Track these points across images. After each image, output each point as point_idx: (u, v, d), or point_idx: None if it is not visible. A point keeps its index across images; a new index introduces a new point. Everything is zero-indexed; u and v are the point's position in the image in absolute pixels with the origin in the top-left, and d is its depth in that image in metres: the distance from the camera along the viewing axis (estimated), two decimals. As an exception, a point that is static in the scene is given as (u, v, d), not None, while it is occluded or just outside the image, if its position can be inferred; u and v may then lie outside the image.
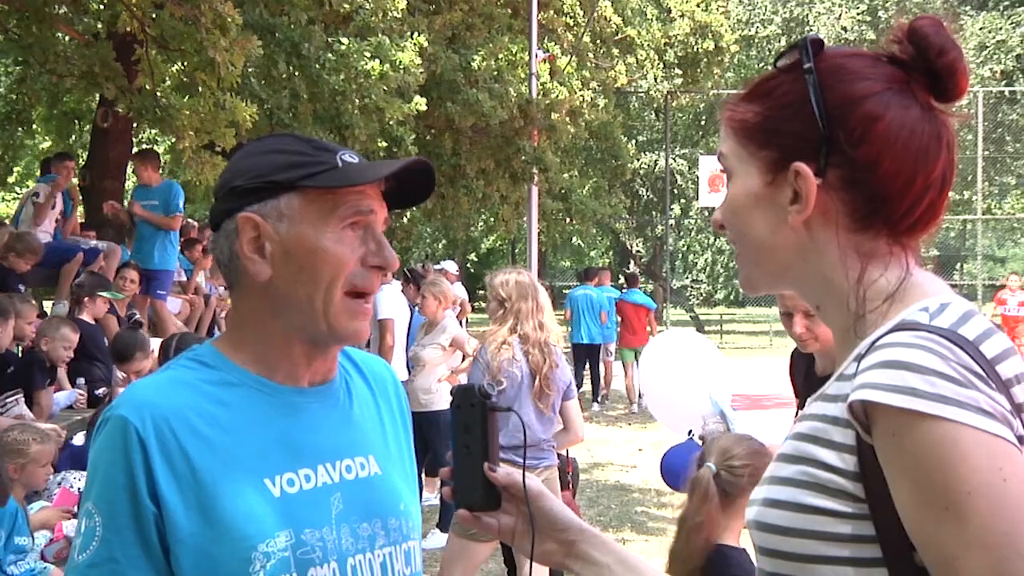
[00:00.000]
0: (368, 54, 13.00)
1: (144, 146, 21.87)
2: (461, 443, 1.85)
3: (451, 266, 19.45)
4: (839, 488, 1.44)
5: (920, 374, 1.36)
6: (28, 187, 27.15)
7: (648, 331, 19.83)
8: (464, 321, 16.49)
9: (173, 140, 12.01)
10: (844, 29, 37.47)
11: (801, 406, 4.15)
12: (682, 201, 44.01)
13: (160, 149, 29.66)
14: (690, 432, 4.97)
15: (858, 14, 38.86)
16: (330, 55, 12.70)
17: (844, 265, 1.55)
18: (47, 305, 12.04)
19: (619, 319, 19.75)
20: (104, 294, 9.95)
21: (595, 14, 24.14)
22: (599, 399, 19.60)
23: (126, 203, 14.00)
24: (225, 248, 1.91)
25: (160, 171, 12.44)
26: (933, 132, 1.52)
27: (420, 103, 14.13)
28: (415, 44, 14.04)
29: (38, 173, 23.60)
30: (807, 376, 4.36)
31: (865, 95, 1.51)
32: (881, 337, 1.45)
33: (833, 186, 1.52)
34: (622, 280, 32.01)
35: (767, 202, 1.58)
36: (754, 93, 1.63)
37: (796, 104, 1.55)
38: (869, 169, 1.50)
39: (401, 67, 13.42)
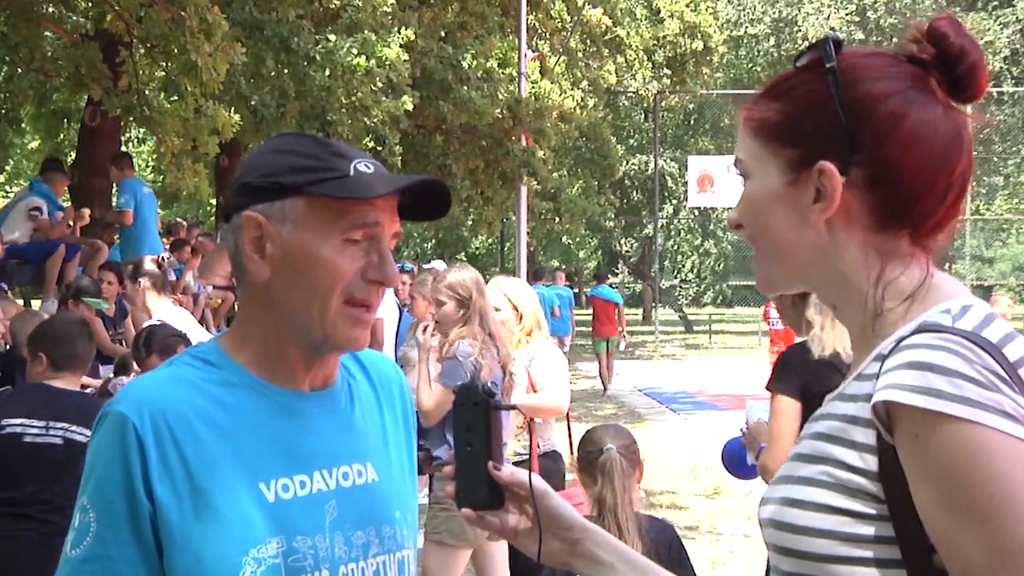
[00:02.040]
0: (355, 50, 12.98)
1: (132, 145, 21.89)
2: (464, 442, 1.82)
3: (440, 266, 19.50)
4: (859, 488, 1.43)
5: (944, 376, 1.35)
6: (18, 185, 27.10)
7: (617, 324, 22.09)
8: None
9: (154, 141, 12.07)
10: (833, 29, 37.39)
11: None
12: (672, 201, 44.09)
13: (146, 149, 29.68)
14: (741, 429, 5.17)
15: (847, 14, 39.02)
16: (319, 49, 12.68)
17: (865, 264, 1.53)
18: (36, 304, 12.00)
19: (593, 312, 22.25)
20: (87, 300, 9.90)
21: (582, 16, 24.18)
22: None
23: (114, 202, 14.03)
24: (231, 242, 1.89)
25: (127, 170, 12.72)
26: (954, 131, 1.51)
27: (407, 101, 14.10)
28: (403, 39, 14.01)
29: (31, 172, 23.57)
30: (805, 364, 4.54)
31: (888, 93, 1.50)
32: (905, 338, 1.43)
33: (857, 185, 1.51)
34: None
35: (789, 201, 1.56)
36: (774, 92, 1.61)
37: (819, 102, 1.53)
38: (893, 168, 1.49)
39: (387, 63, 13.39)
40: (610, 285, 24.60)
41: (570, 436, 6.71)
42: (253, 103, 12.28)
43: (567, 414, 6.94)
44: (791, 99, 1.58)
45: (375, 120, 13.72)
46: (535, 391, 6.15)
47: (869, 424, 1.43)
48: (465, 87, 17.20)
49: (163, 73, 11.67)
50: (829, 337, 4.49)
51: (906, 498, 1.39)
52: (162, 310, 7.99)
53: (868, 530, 1.42)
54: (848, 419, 1.47)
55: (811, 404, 4.30)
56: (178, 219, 16.11)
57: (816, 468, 1.48)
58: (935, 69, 1.53)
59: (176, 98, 10.95)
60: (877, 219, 1.52)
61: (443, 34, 18.29)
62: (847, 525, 1.43)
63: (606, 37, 26.92)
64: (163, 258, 10.12)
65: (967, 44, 1.52)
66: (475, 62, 17.80)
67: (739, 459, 5.19)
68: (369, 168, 1.86)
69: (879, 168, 1.50)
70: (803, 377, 4.53)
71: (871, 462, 1.42)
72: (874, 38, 37.18)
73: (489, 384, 1.83)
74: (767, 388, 4.63)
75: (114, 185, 13.78)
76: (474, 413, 1.82)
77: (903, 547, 1.41)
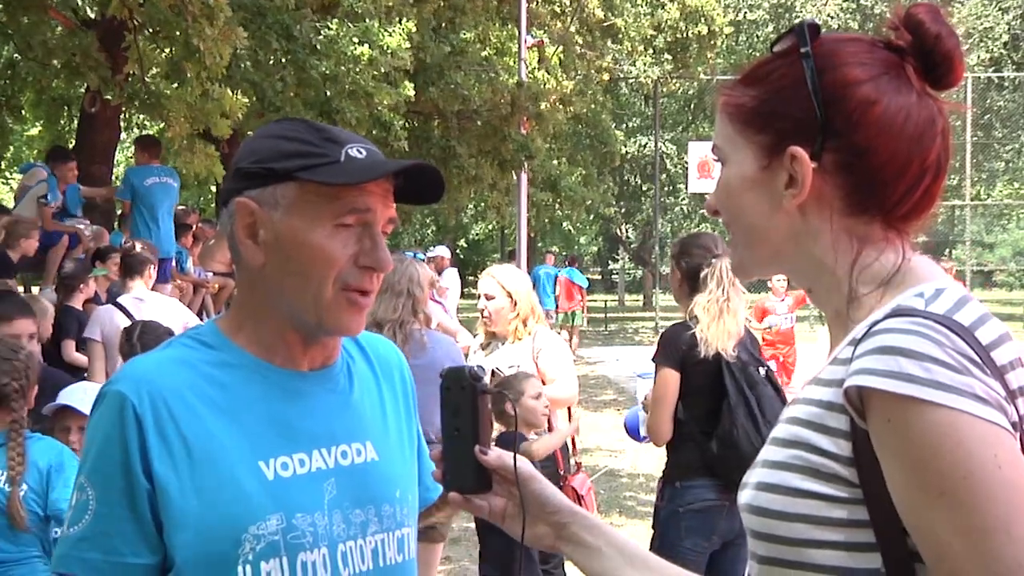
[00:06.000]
0: (356, 39, 12.96)
1: (134, 132, 21.81)
2: (451, 426, 1.82)
3: (444, 251, 19.54)
4: (833, 473, 1.44)
5: (915, 360, 1.36)
6: (16, 171, 26.97)
7: (581, 302, 26.68)
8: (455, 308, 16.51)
9: (162, 126, 11.97)
10: (830, 16, 37.45)
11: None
12: (670, 186, 43.91)
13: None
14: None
15: (843, 1, 38.86)
16: (320, 38, 12.65)
17: (837, 249, 1.55)
18: (35, 291, 12.00)
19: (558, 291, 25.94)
20: (95, 273, 10.00)
21: (581, 3, 24.11)
22: None
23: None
24: (228, 227, 1.91)
25: (150, 158, 12.69)
26: (928, 118, 1.52)
27: (408, 88, 14.08)
28: (404, 29, 13.99)
29: (31, 159, 23.46)
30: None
31: (861, 79, 1.51)
32: (877, 323, 1.44)
33: (828, 170, 1.52)
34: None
35: (762, 186, 1.57)
36: (750, 77, 1.62)
37: (792, 88, 1.54)
38: (864, 153, 1.50)
39: (389, 51, 13.37)
40: (580, 268, 28.16)
41: (571, 422, 6.71)
42: (259, 88, 12.25)
43: None
44: (766, 84, 1.59)
45: (379, 107, 13.69)
46: (545, 383, 6.16)
47: (842, 409, 1.43)
48: (462, 71, 17.15)
49: (166, 58, 11.62)
50: (714, 337, 5.08)
51: (880, 482, 1.39)
52: (138, 291, 8.12)
53: (842, 513, 1.43)
54: (824, 405, 1.47)
55: (689, 374, 5.11)
56: (182, 206, 16.09)
57: (790, 452, 1.49)
58: (911, 56, 1.54)
59: (180, 83, 10.90)
60: (849, 204, 1.53)
61: (441, 25, 18.23)
62: (821, 509, 1.44)
63: (605, 24, 26.80)
64: (132, 243, 10.22)
65: (943, 31, 1.52)
66: (472, 48, 17.74)
67: (635, 430, 6.31)
68: (361, 154, 1.87)
69: (850, 153, 1.51)
70: (682, 350, 5.17)
71: (844, 447, 1.43)
72: (870, 25, 37.02)
73: (476, 368, 1.84)
74: (652, 360, 5.25)
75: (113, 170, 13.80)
76: (461, 397, 1.82)
77: (877, 530, 1.42)
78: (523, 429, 5.67)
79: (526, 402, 5.64)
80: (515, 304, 6.25)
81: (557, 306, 25.58)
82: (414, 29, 14.52)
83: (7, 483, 4.02)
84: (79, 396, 4.76)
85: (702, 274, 5.17)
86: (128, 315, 7.78)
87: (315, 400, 1.95)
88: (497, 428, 5.49)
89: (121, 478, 1.78)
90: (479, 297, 6.37)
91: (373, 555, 1.93)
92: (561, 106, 21.68)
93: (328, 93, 13.03)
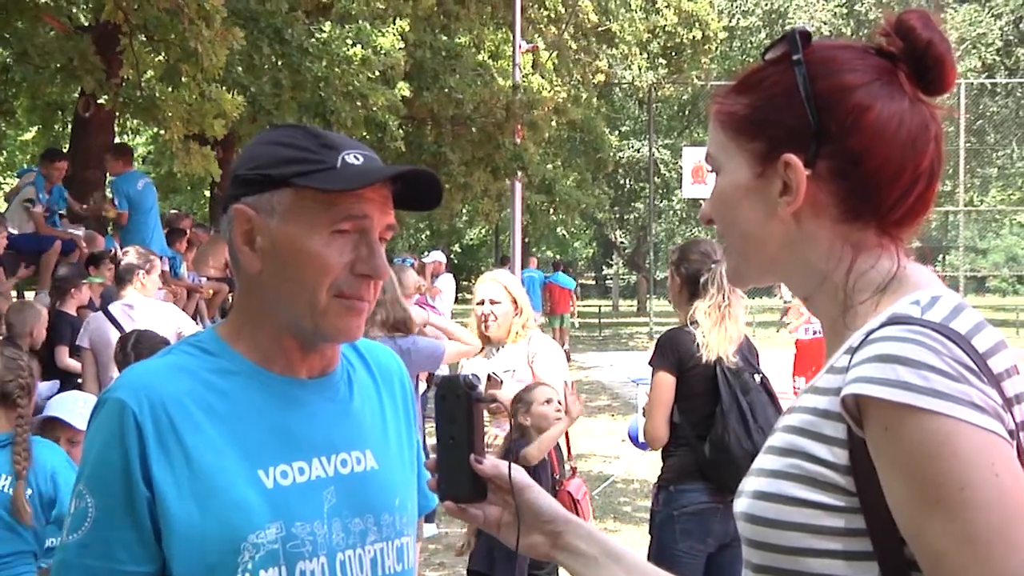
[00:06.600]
0: (349, 41, 12.98)
1: (128, 136, 21.81)
2: (446, 434, 1.82)
3: (440, 257, 19.64)
4: (830, 482, 1.43)
5: (913, 368, 1.36)
6: (11, 175, 26.99)
7: (570, 305, 28.04)
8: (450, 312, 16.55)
9: (157, 130, 11.95)
10: (822, 23, 37.56)
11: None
12: (664, 190, 43.97)
13: (142, 139, 29.65)
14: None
15: (836, 6, 38.98)
16: (312, 40, 12.67)
17: (833, 256, 1.55)
18: (28, 296, 11.99)
19: (548, 295, 27.04)
20: (91, 280, 10.00)
21: (576, 7, 24.14)
22: None
23: (108, 193, 14.04)
24: (227, 234, 1.91)
25: (127, 166, 12.77)
26: (921, 123, 1.52)
27: (404, 88, 14.09)
28: (398, 30, 14.02)
29: (25, 164, 23.44)
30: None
31: (854, 85, 1.51)
32: (874, 331, 1.44)
33: (822, 177, 1.52)
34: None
35: (756, 194, 1.57)
36: (743, 85, 1.62)
37: (785, 95, 1.54)
38: (858, 159, 1.50)
39: (382, 52, 13.39)
40: (567, 272, 29.00)
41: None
42: (251, 91, 12.27)
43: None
44: (758, 92, 1.59)
45: (374, 109, 13.71)
46: None
47: (839, 418, 1.43)
48: (457, 74, 17.18)
49: (162, 61, 11.64)
50: (716, 342, 5.17)
51: (877, 491, 1.39)
52: (129, 298, 8.18)
53: (839, 522, 1.43)
54: (820, 413, 1.47)
55: (685, 378, 5.18)
56: (175, 211, 16.15)
57: (787, 461, 1.49)
58: (903, 62, 1.54)
59: (176, 86, 10.91)
60: (843, 210, 1.53)
61: (435, 30, 18.26)
62: (818, 518, 1.44)
63: (600, 29, 26.86)
64: (115, 251, 10.26)
65: (935, 37, 1.53)
66: (467, 52, 17.77)
67: (637, 438, 6.59)
68: (358, 160, 1.86)
69: (844, 159, 1.51)
70: (678, 355, 5.24)
71: (841, 456, 1.43)
72: (863, 31, 37.10)
73: (471, 377, 1.84)
74: (649, 364, 5.34)
75: (107, 176, 13.80)
76: (456, 405, 1.82)
77: (874, 539, 1.41)
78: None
79: (536, 409, 5.75)
80: (520, 311, 6.27)
81: (545, 310, 25.86)
82: (407, 29, 14.52)
83: (13, 479, 4.03)
84: (68, 407, 4.72)
85: (702, 280, 5.25)
86: (116, 324, 7.77)
87: (315, 408, 1.94)
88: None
89: (121, 485, 1.77)
90: (480, 302, 6.34)
91: (372, 564, 1.92)
92: (555, 115, 21.72)
93: (322, 95, 13.04)
